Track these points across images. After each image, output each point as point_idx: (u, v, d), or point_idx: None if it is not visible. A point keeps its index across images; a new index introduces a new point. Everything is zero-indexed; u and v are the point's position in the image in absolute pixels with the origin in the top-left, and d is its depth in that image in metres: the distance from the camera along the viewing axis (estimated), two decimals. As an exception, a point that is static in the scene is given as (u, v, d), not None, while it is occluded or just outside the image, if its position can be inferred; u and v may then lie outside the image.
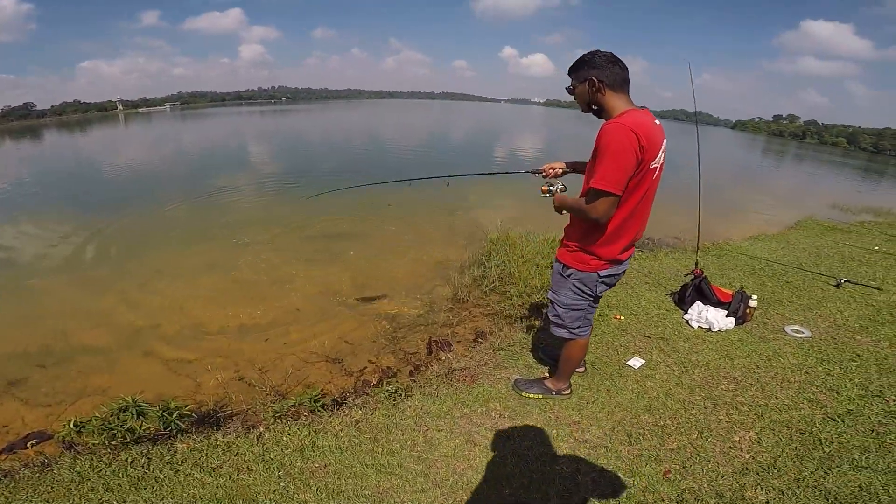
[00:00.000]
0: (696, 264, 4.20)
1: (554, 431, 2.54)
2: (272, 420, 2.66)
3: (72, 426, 2.52)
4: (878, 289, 4.38)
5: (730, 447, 2.38)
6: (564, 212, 2.22)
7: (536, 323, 3.80)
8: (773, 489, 2.10)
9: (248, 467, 2.30)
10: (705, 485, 2.15)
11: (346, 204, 8.72)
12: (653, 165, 1.82)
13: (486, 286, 4.72)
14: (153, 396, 3.11)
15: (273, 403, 3.00)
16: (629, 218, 2.00)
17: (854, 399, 2.72)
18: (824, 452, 2.30)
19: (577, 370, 2.97)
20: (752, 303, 3.72)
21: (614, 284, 2.35)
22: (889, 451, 2.27)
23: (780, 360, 3.19)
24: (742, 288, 3.96)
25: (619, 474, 2.24)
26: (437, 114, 72.28)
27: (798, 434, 2.45)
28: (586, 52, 1.94)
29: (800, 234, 7.15)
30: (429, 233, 7.29)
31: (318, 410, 2.77)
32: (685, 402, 2.75)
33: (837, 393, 2.79)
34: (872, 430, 2.43)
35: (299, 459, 2.35)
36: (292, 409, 2.78)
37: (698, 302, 3.84)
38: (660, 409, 2.69)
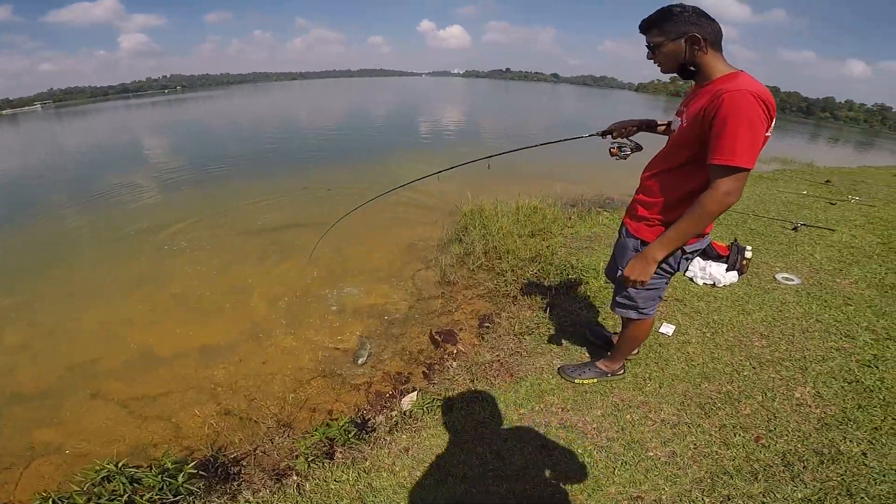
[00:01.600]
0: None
1: (627, 416, 2.33)
2: (305, 466, 2.14)
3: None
4: (830, 230, 4.74)
5: (798, 404, 2.34)
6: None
7: (542, 300, 3.56)
8: (862, 440, 2.08)
9: None
10: (799, 445, 2.09)
11: (275, 193, 7.91)
12: (767, 134, 1.56)
13: (473, 264, 4.38)
14: (127, 450, 2.49)
15: (282, 438, 2.48)
16: None
17: (871, 344, 2.82)
18: (881, 399, 2.33)
19: (631, 354, 2.71)
20: (748, 254, 3.77)
21: (693, 258, 2.04)
22: None
23: (789, 309, 3.26)
24: (735, 240, 4.02)
25: (716, 448, 2.10)
26: (355, 92, 66.61)
27: (847, 384, 2.47)
28: (671, 5, 1.65)
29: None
30: (389, 213, 6.62)
31: (352, 442, 2.30)
32: (734, 365, 2.67)
33: (853, 339, 2.87)
34: (903, 374, 2.53)
35: None
36: (323, 448, 2.27)
37: (698, 258, 3.83)
38: (715, 376, 2.59)
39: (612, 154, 2.15)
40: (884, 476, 1.88)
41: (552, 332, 3.13)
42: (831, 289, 3.53)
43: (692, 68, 1.65)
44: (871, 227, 4.96)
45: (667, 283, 2.09)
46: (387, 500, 1.94)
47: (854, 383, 2.47)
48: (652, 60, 1.73)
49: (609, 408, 2.40)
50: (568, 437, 2.22)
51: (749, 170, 1.50)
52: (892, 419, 2.19)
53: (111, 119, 39.09)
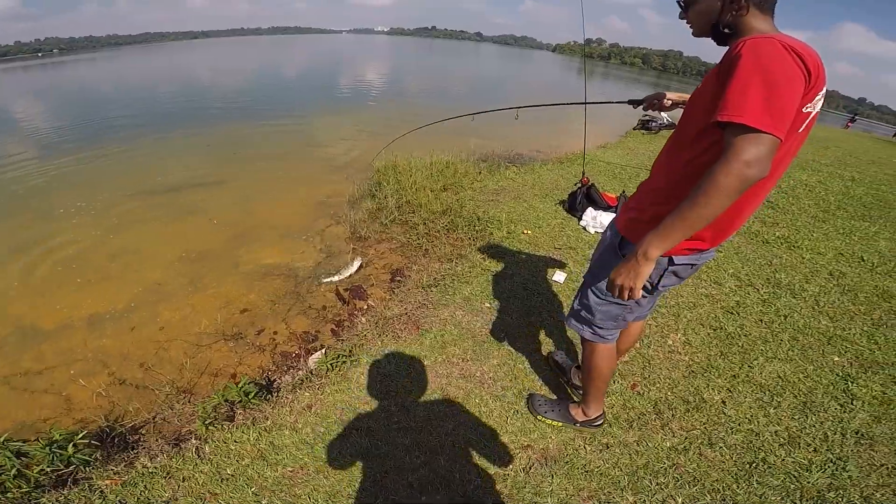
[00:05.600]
0: (583, 174, 4.46)
1: (520, 365, 2.51)
2: (204, 430, 2.10)
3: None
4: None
5: (669, 352, 2.60)
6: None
7: (450, 252, 3.69)
8: (722, 388, 2.34)
9: (209, 491, 1.81)
10: (669, 393, 2.31)
11: (176, 154, 7.35)
12: (807, 109, 1.13)
13: (385, 218, 4.37)
14: (13, 426, 2.37)
15: (182, 405, 2.41)
16: (756, 187, 1.18)
17: (735, 290, 3.20)
18: (740, 347, 2.65)
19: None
20: (635, 205, 4.13)
21: (687, 277, 1.56)
22: (781, 340, 2.72)
23: (669, 257, 3.62)
24: (623, 192, 4.35)
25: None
26: (264, 50, 59.94)
27: (712, 331, 2.79)
28: None
29: (635, 142, 8.24)
30: (300, 172, 6.41)
31: (252, 404, 2.28)
32: (618, 312, 2.95)
33: (720, 285, 3.26)
34: (761, 321, 2.91)
35: (266, 468, 1.92)
36: (223, 412, 2.23)
37: (590, 208, 4.12)
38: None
39: (640, 126, 1.89)
40: (739, 425, 2.12)
41: (458, 282, 3.26)
42: (706, 238, 3.95)
43: (727, 31, 1.27)
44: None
45: (640, 305, 1.71)
46: (289, 457, 1.97)
47: (718, 330, 2.80)
48: (684, 20, 1.39)
49: (504, 356, 2.56)
50: (467, 388, 2.34)
51: (771, 135, 1.03)
52: (748, 367, 2.49)
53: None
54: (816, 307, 3.09)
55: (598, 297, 1.67)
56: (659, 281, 1.50)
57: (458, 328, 2.78)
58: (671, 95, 1.84)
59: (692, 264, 1.46)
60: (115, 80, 25.14)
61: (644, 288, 1.43)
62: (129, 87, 20.43)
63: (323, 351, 2.78)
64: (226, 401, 2.30)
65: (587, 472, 1.92)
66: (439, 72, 28.89)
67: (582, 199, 4.24)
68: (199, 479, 1.87)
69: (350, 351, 2.63)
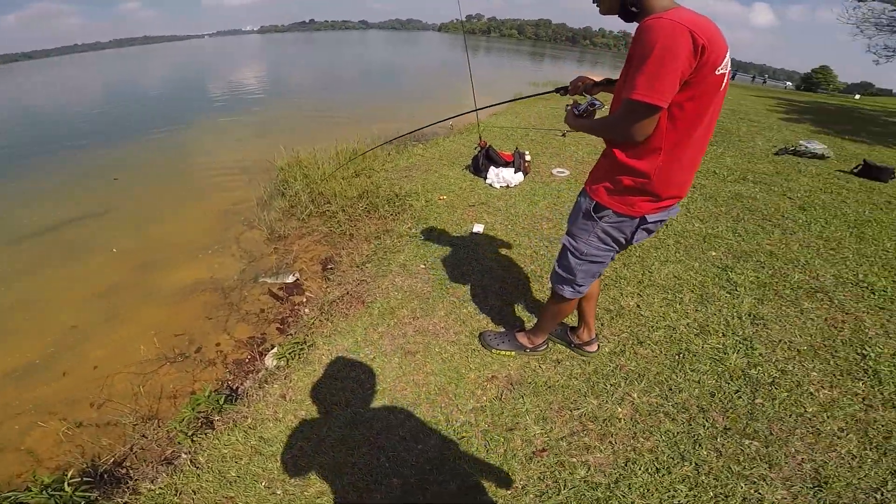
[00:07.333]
0: (480, 138, 4.86)
1: (464, 310, 2.78)
2: (190, 442, 2.12)
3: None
4: (589, 133, 6.12)
5: None
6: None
7: (376, 230, 3.87)
8: (633, 294, 2.79)
9: (224, 497, 1.86)
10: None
11: (44, 191, 6.40)
12: (720, 71, 1.34)
13: (301, 213, 4.39)
14: None
15: (153, 431, 2.38)
16: (700, 140, 1.50)
17: None
18: (637, 256, 3.16)
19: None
20: (528, 157, 4.61)
21: (655, 231, 1.80)
22: (667, 245, 2.98)
23: (564, 195, 4.17)
24: (517, 148, 4.79)
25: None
26: (111, 66, 48.80)
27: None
28: None
29: (520, 107, 9.06)
30: (195, 185, 6.07)
31: (226, 408, 2.32)
32: (532, 248, 3.40)
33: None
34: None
35: (267, 461, 1.99)
36: (200, 422, 2.25)
37: (491, 167, 4.51)
38: (520, 260, 3.25)
39: (568, 112, 1.80)
40: (657, 323, 2.53)
41: (389, 254, 3.45)
42: (592, 176, 4.57)
43: (634, 9, 1.43)
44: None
45: (612, 259, 1.90)
46: (282, 445, 2.06)
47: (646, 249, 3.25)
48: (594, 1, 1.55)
49: (449, 307, 2.82)
50: (424, 341, 2.57)
51: (650, 105, 1.30)
52: (649, 273, 2.98)
53: None
54: (688, 213, 3.75)
55: (577, 258, 1.84)
56: (633, 237, 1.71)
57: (401, 292, 2.98)
58: (595, 77, 1.91)
59: (662, 220, 1.69)
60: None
61: (618, 242, 1.76)
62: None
63: (276, 348, 2.84)
64: (198, 413, 2.32)
65: (549, 387, 2.19)
66: (323, 64, 27.79)
67: (483, 160, 4.61)
68: (208, 488, 1.91)
69: (303, 339, 2.72)
